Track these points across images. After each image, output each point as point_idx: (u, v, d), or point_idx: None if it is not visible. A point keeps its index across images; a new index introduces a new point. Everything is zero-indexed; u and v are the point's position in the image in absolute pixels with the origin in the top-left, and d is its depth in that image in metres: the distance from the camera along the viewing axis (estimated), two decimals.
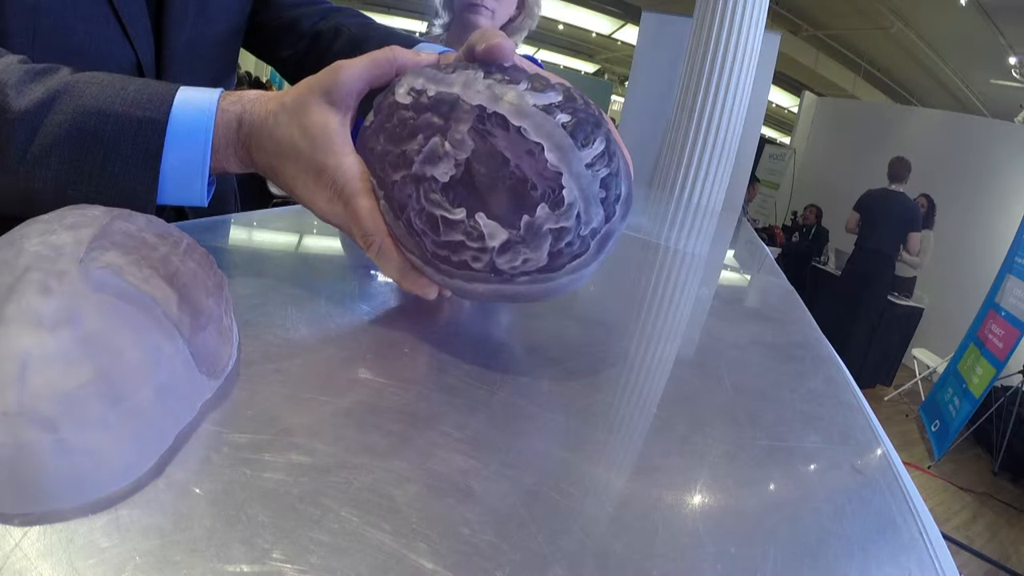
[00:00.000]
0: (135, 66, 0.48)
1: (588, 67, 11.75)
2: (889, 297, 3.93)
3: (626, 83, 4.24)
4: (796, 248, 4.98)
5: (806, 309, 0.62)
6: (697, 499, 0.23)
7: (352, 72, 0.33)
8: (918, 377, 3.98)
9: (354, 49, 0.61)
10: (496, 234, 0.28)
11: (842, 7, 6.13)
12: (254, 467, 0.19)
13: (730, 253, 1.07)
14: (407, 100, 0.30)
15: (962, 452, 3.15)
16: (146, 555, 0.15)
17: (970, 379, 3.14)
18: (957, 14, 5.16)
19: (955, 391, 3.25)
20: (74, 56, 0.44)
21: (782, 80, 8.84)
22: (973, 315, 3.50)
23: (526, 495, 0.20)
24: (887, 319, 3.95)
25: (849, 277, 3.81)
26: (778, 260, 1.49)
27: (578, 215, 0.28)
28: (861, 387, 0.44)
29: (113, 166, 0.32)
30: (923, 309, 4.21)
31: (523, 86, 0.29)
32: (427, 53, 0.35)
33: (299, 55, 0.64)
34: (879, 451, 0.30)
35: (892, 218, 3.54)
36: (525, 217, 0.28)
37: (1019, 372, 3.12)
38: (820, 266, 4.64)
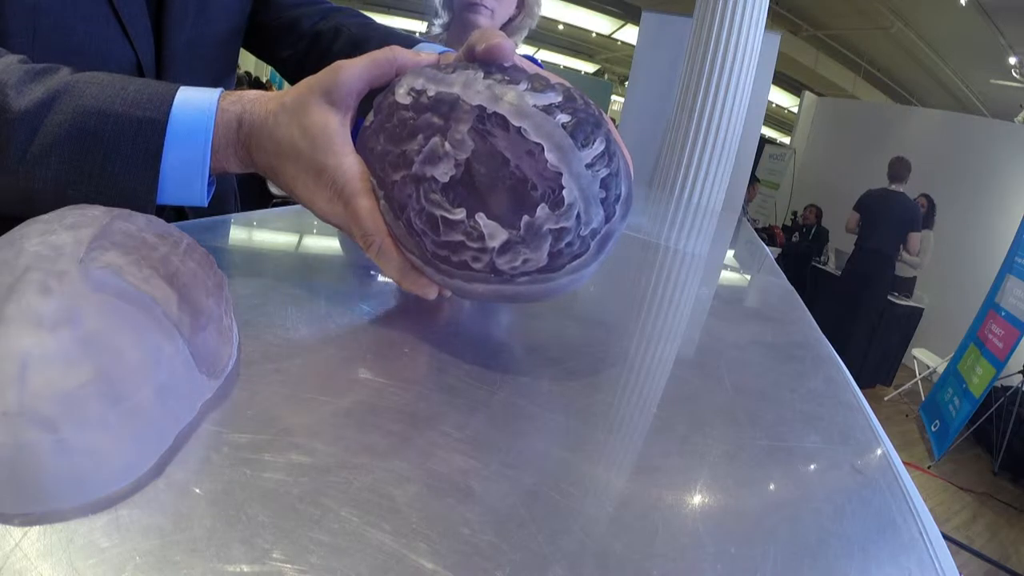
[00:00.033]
0: (135, 66, 0.48)
1: (588, 67, 11.75)
2: (889, 297, 3.93)
3: (626, 83, 4.24)
4: (796, 248, 4.98)
5: (806, 309, 0.62)
6: (697, 499, 0.23)
7: (352, 72, 0.33)
8: (918, 377, 3.98)
9: (354, 49, 0.61)
10: (496, 234, 0.28)
11: (842, 7, 6.13)
12: (254, 467, 0.19)
13: (730, 253, 1.07)
14: (407, 100, 0.30)
15: (962, 452, 3.15)
16: (146, 555, 0.15)
17: (970, 379, 3.14)
18: (957, 14, 5.16)
19: (955, 391, 3.25)
20: (74, 56, 0.44)
21: (782, 80, 8.84)
22: (973, 315, 3.50)
23: (526, 495, 0.20)
24: (887, 319, 3.95)
25: (849, 277, 3.81)
26: (778, 260, 1.49)
27: (578, 215, 0.28)
28: (861, 387, 0.44)
29: (113, 166, 0.32)
30: (923, 309, 4.21)
31: (523, 86, 0.29)
32: (427, 53, 0.35)
33: (299, 55, 0.64)
34: (879, 451, 0.30)
35: (892, 218, 3.54)
36: (525, 217, 0.28)
37: (1019, 372, 3.12)
38: (820, 266, 4.64)
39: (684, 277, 0.68)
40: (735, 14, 2.02)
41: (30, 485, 0.16)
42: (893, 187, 3.55)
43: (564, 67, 10.95)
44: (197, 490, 0.18)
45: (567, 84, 0.31)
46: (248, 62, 7.11)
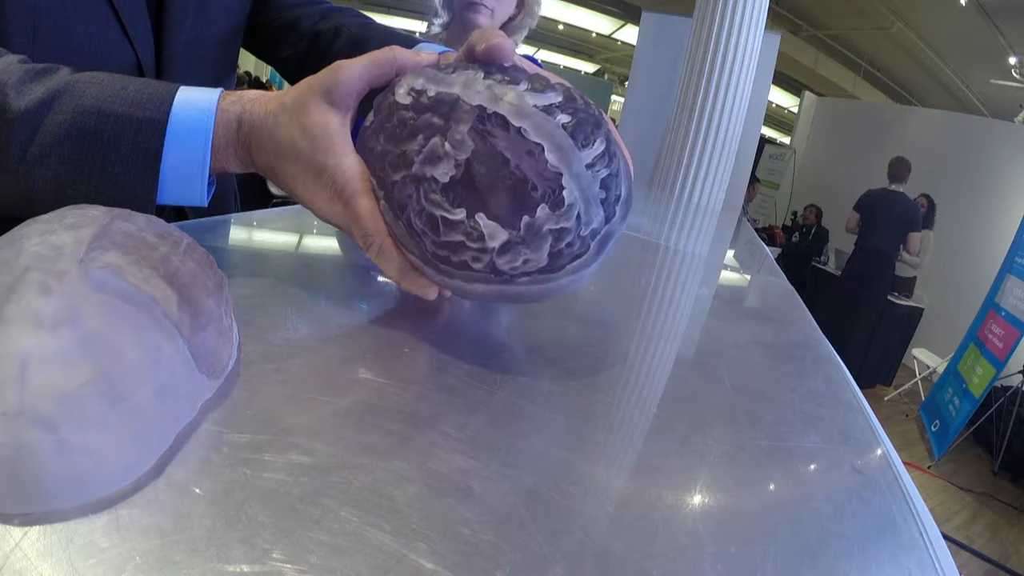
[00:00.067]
0: (135, 66, 0.48)
1: (588, 67, 11.75)
2: (889, 297, 3.93)
3: (626, 83, 4.24)
4: (796, 248, 4.98)
5: (806, 309, 0.62)
6: (697, 499, 0.23)
7: (352, 72, 0.33)
8: (918, 377, 3.98)
9: (354, 49, 0.61)
10: (496, 234, 0.28)
11: (842, 7, 6.13)
12: (254, 467, 0.19)
13: (730, 253, 1.07)
14: (407, 100, 0.30)
15: (962, 452, 3.15)
16: (146, 555, 0.15)
17: (970, 379, 3.14)
18: (957, 14, 5.16)
19: (955, 391, 3.25)
20: (74, 56, 0.44)
21: (782, 80, 8.84)
22: (973, 315, 3.50)
23: (526, 495, 0.20)
24: (887, 319, 3.95)
25: (849, 277, 3.81)
26: (778, 260, 1.49)
27: (578, 216, 0.28)
28: (861, 387, 0.44)
29: (113, 166, 0.32)
30: (923, 309, 4.21)
31: (523, 86, 0.29)
32: (427, 53, 0.35)
33: (299, 55, 0.64)
34: (879, 451, 0.30)
35: (892, 218, 3.54)
36: (525, 218, 0.28)
37: (1019, 372, 3.12)
38: (820, 266, 4.64)
39: (684, 277, 0.68)
40: (735, 14, 2.02)
41: (30, 485, 0.16)
42: (893, 187, 3.55)
43: (564, 67, 10.95)
44: (197, 490, 0.18)
45: (567, 84, 0.31)
46: (248, 62, 7.11)
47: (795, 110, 8.11)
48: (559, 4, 8.24)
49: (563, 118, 0.28)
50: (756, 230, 2.62)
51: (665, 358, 0.38)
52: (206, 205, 0.35)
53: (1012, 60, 5.50)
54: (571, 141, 0.28)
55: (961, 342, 3.50)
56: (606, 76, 11.74)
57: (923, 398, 3.72)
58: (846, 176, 5.42)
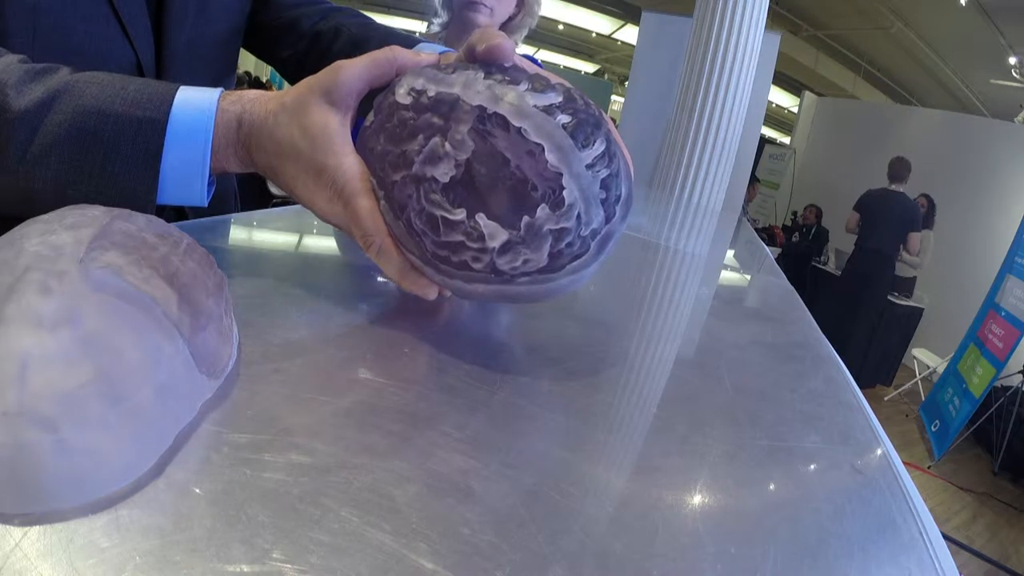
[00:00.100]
0: (135, 66, 0.48)
1: (588, 67, 11.75)
2: (889, 297, 3.93)
3: (626, 83, 4.24)
4: (796, 248, 4.98)
5: (806, 309, 0.62)
6: (697, 499, 0.23)
7: (352, 72, 0.33)
8: (918, 377, 3.98)
9: (354, 49, 0.61)
10: (496, 235, 0.28)
11: (842, 7, 6.13)
12: (254, 467, 0.19)
13: (730, 253, 1.07)
14: (407, 100, 0.30)
15: (962, 452, 3.15)
16: (146, 555, 0.15)
17: (970, 379, 3.14)
18: (957, 14, 5.16)
19: (955, 391, 3.25)
20: (74, 56, 0.44)
21: (782, 80, 8.84)
22: (973, 315, 3.50)
23: (526, 495, 0.20)
24: (887, 319, 3.95)
25: (849, 277, 3.81)
26: (778, 260, 1.49)
27: (578, 216, 0.28)
28: (861, 387, 0.44)
29: (113, 166, 0.32)
30: (923, 309, 4.21)
31: (523, 86, 0.29)
32: (427, 53, 0.35)
33: (299, 55, 0.64)
34: (879, 451, 0.30)
35: (892, 218, 3.54)
36: (525, 218, 0.28)
37: (1019, 372, 3.12)
38: (820, 266, 4.64)
39: (684, 277, 0.68)
40: (735, 14, 2.02)
41: (30, 485, 0.16)
42: (893, 187, 3.55)
43: (564, 67, 10.95)
44: (197, 490, 0.18)
45: (567, 84, 0.31)
46: (248, 62, 7.11)
47: (795, 110, 8.12)
48: (559, 4, 8.24)
49: (563, 118, 0.28)
50: (756, 230, 2.62)
51: (665, 358, 0.38)
52: (206, 205, 0.35)
53: (1012, 60, 5.50)
54: (571, 141, 0.28)
55: (961, 342, 3.50)
56: (606, 76, 11.74)
57: (923, 398, 3.72)
58: (846, 176, 5.42)
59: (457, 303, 0.38)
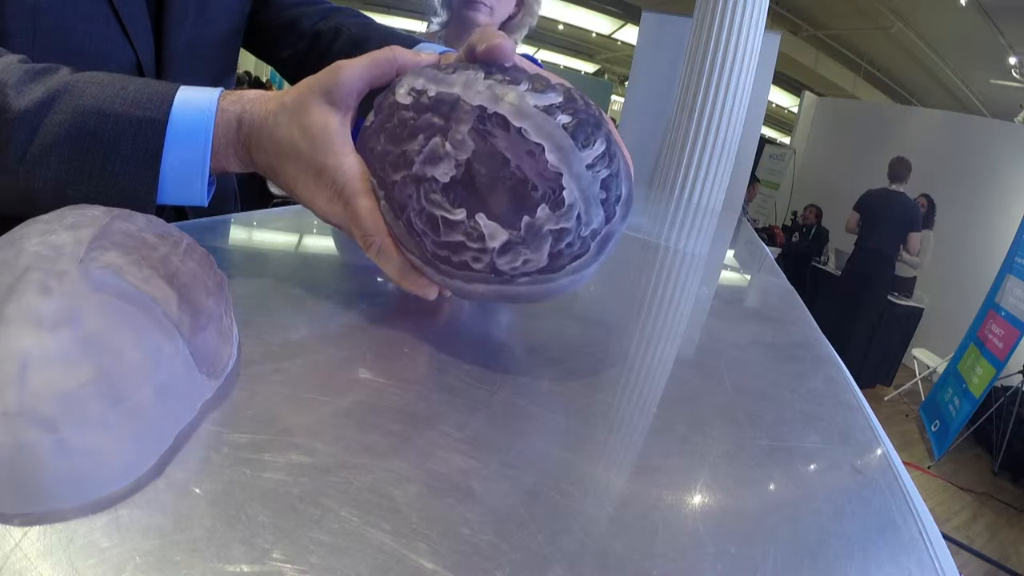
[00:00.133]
0: (135, 66, 0.48)
1: (588, 67, 11.75)
2: (889, 297, 3.93)
3: (626, 83, 4.24)
4: (796, 248, 4.98)
5: (806, 309, 0.62)
6: (697, 499, 0.23)
7: (352, 72, 0.33)
8: (918, 377, 3.98)
9: (354, 49, 0.61)
10: (496, 235, 0.28)
11: (842, 7, 6.13)
12: (254, 467, 0.19)
13: (730, 253, 1.07)
14: (407, 100, 0.30)
15: (962, 452, 3.15)
16: (146, 555, 0.15)
17: (970, 379, 3.14)
18: (957, 14, 5.16)
19: (955, 391, 3.25)
20: (74, 56, 0.44)
21: (782, 80, 8.84)
22: (973, 315, 3.50)
23: (526, 495, 0.20)
24: (887, 319, 3.95)
25: (849, 277, 3.81)
26: (778, 260, 1.49)
27: (578, 216, 0.28)
28: (861, 387, 0.44)
29: (113, 166, 0.32)
30: (923, 309, 4.22)
31: (524, 87, 0.29)
32: (427, 53, 0.35)
33: (299, 55, 0.64)
34: (879, 451, 0.30)
35: (892, 218, 3.54)
36: (525, 218, 0.28)
37: (1019, 372, 3.12)
38: (820, 266, 4.64)
39: (684, 277, 0.68)
40: (735, 14, 2.02)
41: (30, 485, 0.16)
42: (893, 187, 3.55)
43: (564, 67, 10.95)
44: (197, 490, 0.18)
45: (567, 84, 0.31)
46: (248, 62, 7.11)
47: (795, 110, 8.12)
48: (559, 4, 8.24)
49: (563, 118, 0.28)
50: (756, 230, 2.62)
51: (665, 358, 0.38)
52: (206, 205, 0.35)
53: (1012, 60, 5.50)
54: (571, 141, 0.28)
55: (961, 342, 3.50)
56: (606, 76, 11.74)
57: (923, 398, 3.72)
58: (846, 176, 5.42)
59: (457, 303, 0.38)
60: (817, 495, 0.25)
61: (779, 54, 3.34)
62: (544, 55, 10.74)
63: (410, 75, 0.32)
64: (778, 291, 0.71)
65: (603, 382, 0.31)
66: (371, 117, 0.33)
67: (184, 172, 0.33)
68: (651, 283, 0.61)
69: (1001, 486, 2.91)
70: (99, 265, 0.19)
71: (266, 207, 0.85)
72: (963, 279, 4.49)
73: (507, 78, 0.29)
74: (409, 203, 0.30)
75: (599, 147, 0.28)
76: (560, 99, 0.29)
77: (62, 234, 0.20)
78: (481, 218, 0.28)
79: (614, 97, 9.84)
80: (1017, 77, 5.72)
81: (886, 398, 3.88)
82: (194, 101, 0.33)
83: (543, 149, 0.27)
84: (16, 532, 0.15)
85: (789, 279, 0.80)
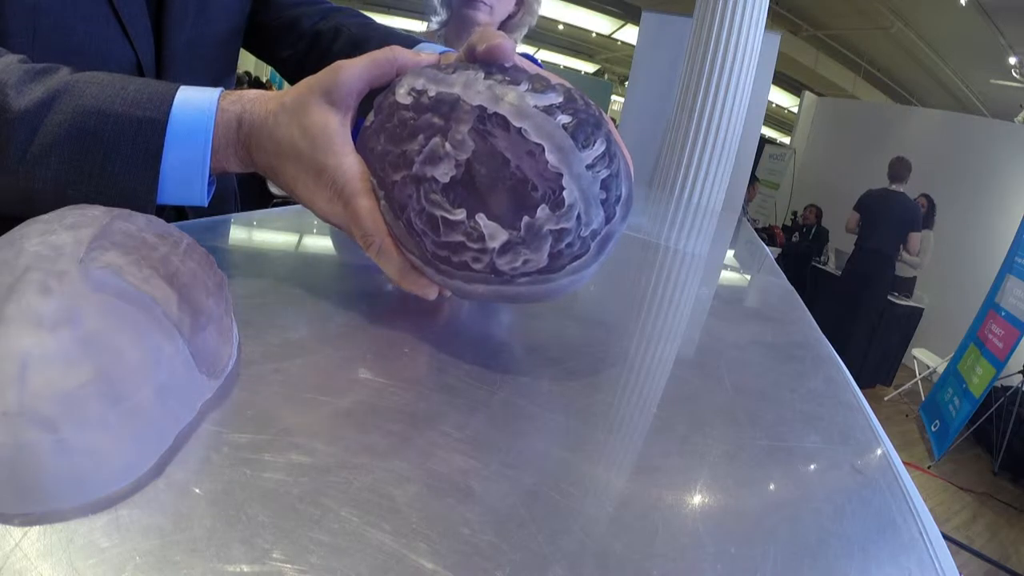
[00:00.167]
0: (135, 66, 0.48)
1: (588, 67, 11.75)
2: (889, 297, 3.93)
3: (626, 83, 4.24)
4: (796, 248, 4.98)
5: (806, 309, 0.62)
6: (697, 499, 0.23)
7: (352, 72, 0.33)
8: (918, 377, 3.98)
9: (354, 49, 0.61)
10: (496, 235, 0.28)
11: (842, 7, 6.13)
12: (254, 467, 0.19)
13: (730, 253, 1.07)
14: (407, 100, 0.30)
15: (962, 452, 3.15)
16: (146, 555, 0.15)
17: (970, 379, 3.14)
18: (957, 14, 5.16)
19: (955, 391, 3.25)
20: (74, 56, 0.44)
21: (782, 80, 8.84)
22: (973, 315, 3.50)
23: (526, 495, 0.20)
24: (887, 319, 3.95)
25: (849, 277, 3.81)
26: (778, 260, 1.49)
27: (578, 216, 0.28)
28: (861, 387, 0.44)
29: (113, 166, 0.32)
30: (923, 309, 4.22)
31: (524, 87, 0.29)
32: (427, 53, 0.35)
33: (299, 55, 0.64)
34: (879, 451, 0.30)
35: (892, 218, 3.54)
36: (525, 218, 0.28)
37: (1019, 372, 3.12)
38: (820, 266, 4.64)
39: (684, 277, 0.68)
40: (735, 14, 2.02)
41: (30, 485, 0.16)
42: (893, 187, 3.55)
43: (564, 67, 10.95)
44: (197, 490, 0.18)
45: (567, 84, 0.31)
46: (248, 62, 7.11)
47: (795, 110, 8.12)
48: (559, 4, 8.24)
49: (564, 119, 0.28)
50: (756, 230, 2.62)
51: (665, 358, 0.38)
52: (206, 205, 0.35)
53: (1012, 60, 5.50)
54: (572, 142, 0.28)
55: (961, 342, 3.50)
56: (606, 76, 11.74)
57: (923, 398, 3.72)
58: (846, 176, 5.42)
59: (457, 303, 0.38)
60: (817, 495, 0.25)
61: (779, 54, 3.34)
62: (544, 55, 10.74)
63: (410, 75, 0.32)
64: (778, 291, 0.71)
65: (603, 382, 0.31)
66: (371, 117, 0.33)
67: (184, 172, 0.33)
68: (651, 283, 0.61)
69: (1001, 486, 2.91)
70: (99, 265, 0.19)
71: (266, 207, 0.85)
72: (963, 279, 4.49)
73: (507, 78, 0.29)
74: (409, 203, 0.30)
75: (599, 147, 0.28)
76: (560, 99, 0.29)
77: (62, 234, 0.20)
78: (481, 218, 0.28)
79: (614, 97, 9.84)
80: (1017, 77, 5.72)
81: (886, 398, 3.88)
82: (194, 101, 0.33)
83: (543, 149, 0.27)
84: (16, 532, 0.15)
85: (789, 279, 0.80)
